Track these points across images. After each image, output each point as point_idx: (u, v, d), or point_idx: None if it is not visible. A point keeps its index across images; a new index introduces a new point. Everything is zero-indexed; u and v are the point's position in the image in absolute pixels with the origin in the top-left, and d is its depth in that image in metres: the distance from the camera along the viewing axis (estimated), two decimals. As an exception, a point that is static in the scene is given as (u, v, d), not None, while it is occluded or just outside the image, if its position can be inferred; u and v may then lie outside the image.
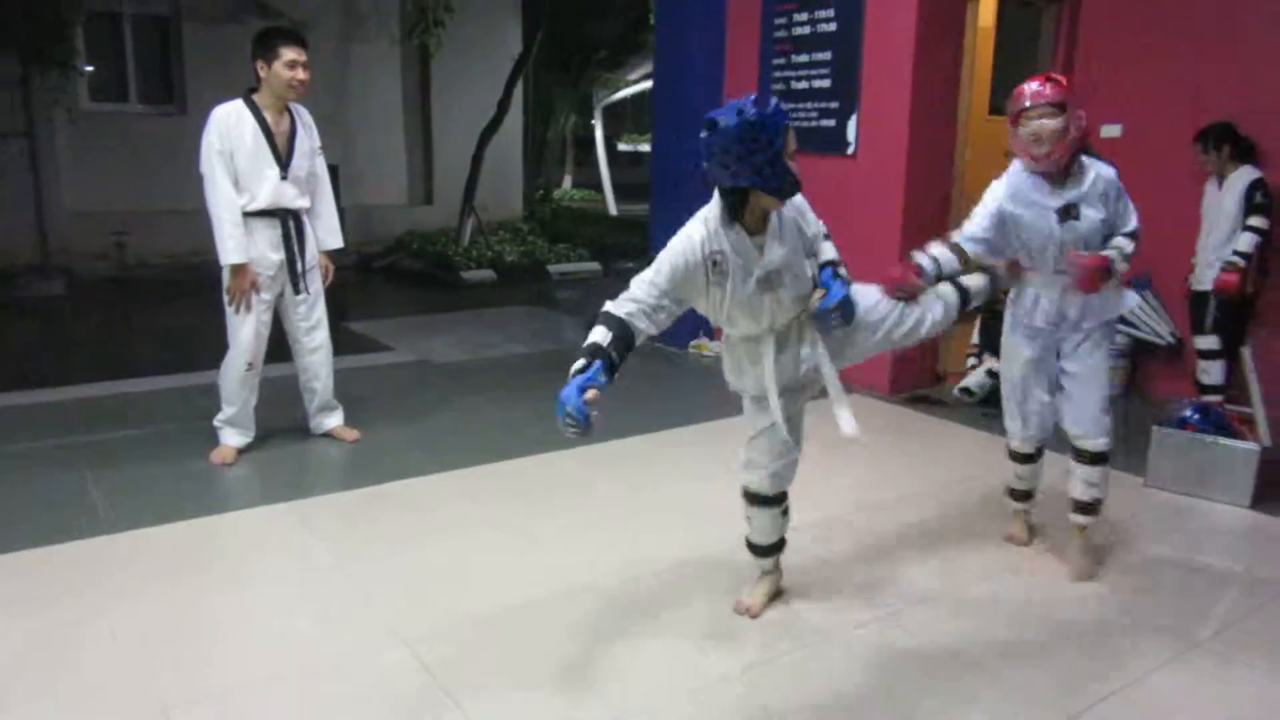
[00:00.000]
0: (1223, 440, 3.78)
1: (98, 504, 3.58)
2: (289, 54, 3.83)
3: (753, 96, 2.37)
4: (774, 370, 2.60)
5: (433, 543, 3.34)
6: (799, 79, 5.64)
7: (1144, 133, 5.31)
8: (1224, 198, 4.66)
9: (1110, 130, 5.50)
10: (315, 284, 4.16)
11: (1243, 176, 4.60)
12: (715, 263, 2.44)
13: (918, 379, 5.44)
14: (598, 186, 17.31)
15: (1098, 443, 3.09)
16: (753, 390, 2.72)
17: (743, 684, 2.48)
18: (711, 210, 2.47)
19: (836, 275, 2.59)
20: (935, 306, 2.91)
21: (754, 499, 2.84)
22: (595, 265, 10.53)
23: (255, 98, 3.89)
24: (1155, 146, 5.24)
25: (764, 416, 2.72)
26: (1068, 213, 2.97)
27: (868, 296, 2.78)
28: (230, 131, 3.81)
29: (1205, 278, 4.72)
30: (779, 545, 2.93)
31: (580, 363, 2.35)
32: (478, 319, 7.57)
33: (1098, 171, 3.01)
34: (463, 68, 11.52)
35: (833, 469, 4.16)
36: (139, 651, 2.58)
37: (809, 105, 5.60)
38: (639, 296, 2.43)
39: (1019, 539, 3.39)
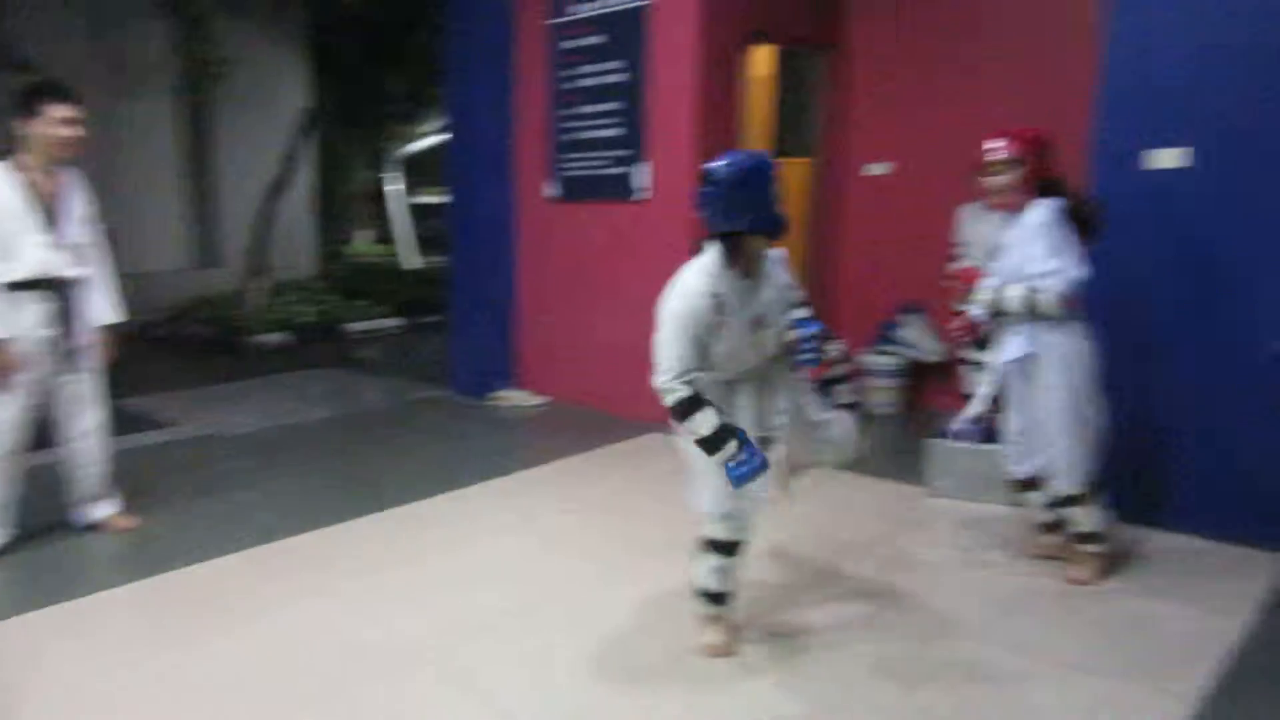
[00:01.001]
0: (991, 448, 4.10)
1: None
2: (58, 111, 3.53)
3: (744, 151, 2.65)
4: (752, 410, 2.71)
5: (223, 632, 3.08)
6: (587, 129, 5.75)
7: (910, 171, 5.76)
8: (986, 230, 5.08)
9: (880, 168, 5.94)
10: (89, 362, 3.81)
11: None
12: (721, 303, 2.58)
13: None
14: (395, 240, 16.95)
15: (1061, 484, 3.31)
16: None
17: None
18: (708, 258, 2.62)
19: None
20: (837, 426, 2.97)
21: (722, 548, 2.83)
22: (397, 321, 10.27)
23: (18, 159, 3.56)
24: (921, 183, 5.69)
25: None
26: (998, 252, 3.28)
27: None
28: None
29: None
30: (733, 593, 2.91)
31: (731, 447, 2.52)
32: (272, 385, 7.18)
33: (1030, 216, 3.19)
34: (246, 122, 11.03)
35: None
36: None
37: (598, 154, 5.71)
38: (679, 372, 2.56)
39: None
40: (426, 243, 16.41)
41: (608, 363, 5.89)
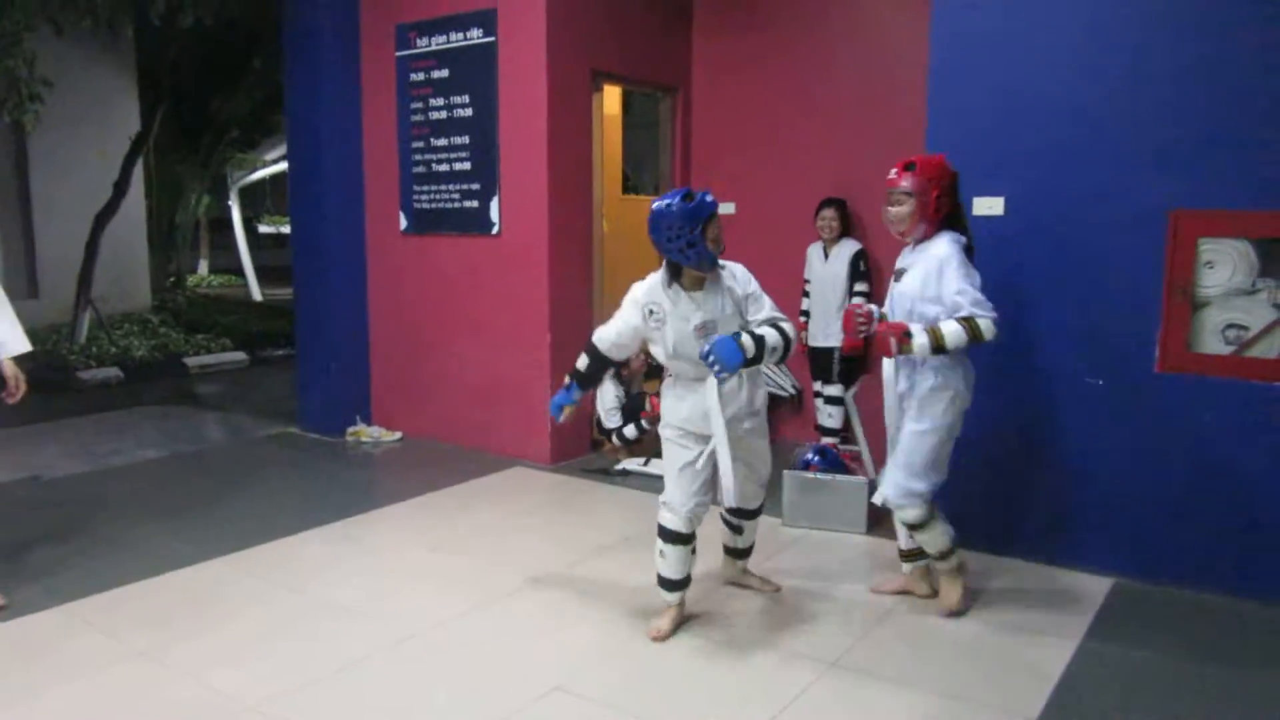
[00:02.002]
0: (839, 477, 4.29)
1: None
2: None
3: (685, 190, 3.00)
4: (717, 401, 3.01)
5: (51, 690, 2.88)
6: (439, 161, 5.72)
7: (754, 210, 5.97)
8: (832, 267, 5.33)
9: (725, 208, 6.12)
10: None
11: (847, 248, 5.31)
12: (651, 312, 3.10)
13: (574, 447, 5.63)
14: (239, 271, 16.30)
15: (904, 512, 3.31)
16: (684, 421, 3.15)
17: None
18: (659, 271, 3.13)
19: (738, 333, 2.98)
20: None
21: (668, 535, 3.16)
22: (241, 355, 9.83)
23: None
24: (765, 221, 5.92)
25: (684, 454, 3.14)
26: (898, 275, 3.27)
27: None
28: None
29: (824, 335, 5.36)
30: (686, 581, 3.24)
31: (565, 380, 3.30)
32: (100, 424, 6.75)
33: (934, 247, 3.17)
34: (69, 147, 10.37)
35: (502, 541, 4.18)
36: None
37: (451, 187, 5.68)
38: (606, 335, 3.23)
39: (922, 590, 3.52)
40: (268, 273, 15.85)
41: (465, 396, 5.83)
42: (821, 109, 5.66)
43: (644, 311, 3.11)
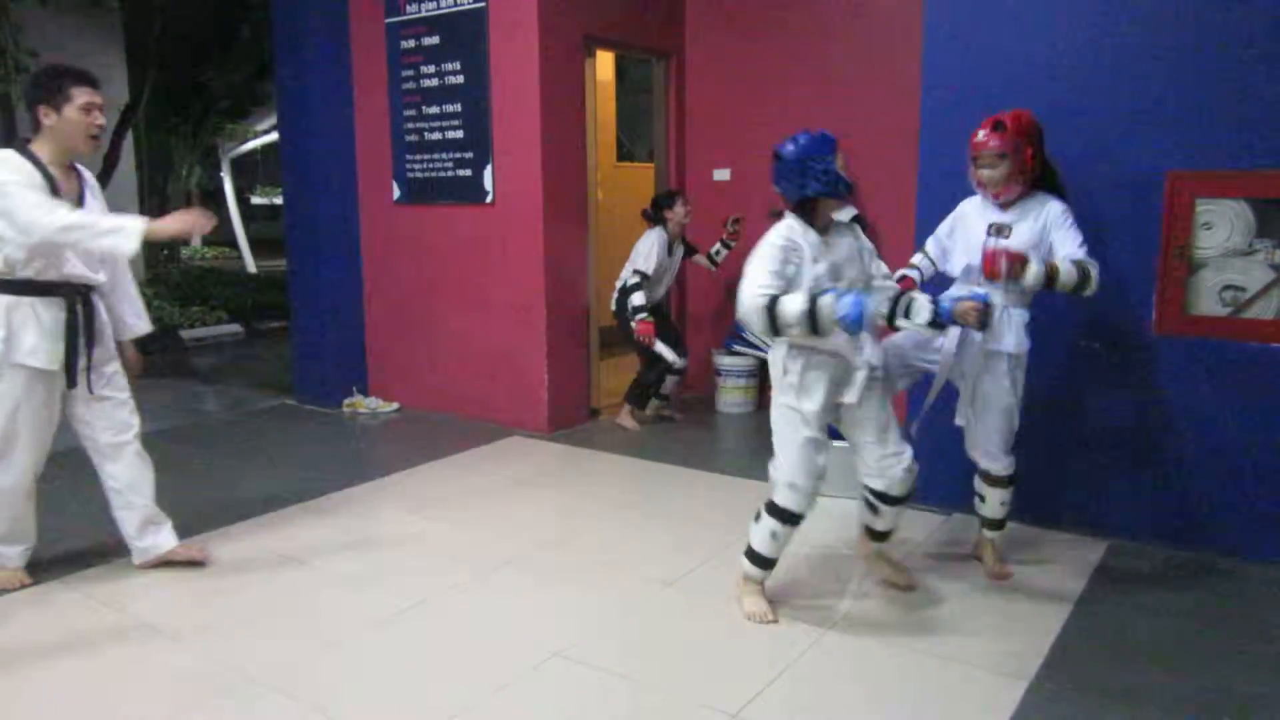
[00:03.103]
0: (835, 443, 4.27)
1: None
2: (83, 96, 3.20)
3: (806, 131, 3.01)
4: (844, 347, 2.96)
5: (57, 662, 2.89)
6: (431, 130, 5.67)
7: (749, 175, 5.94)
8: None
9: (720, 174, 6.10)
10: (121, 380, 3.50)
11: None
12: (793, 249, 2.93)
13: (572, 417, 5.64)
14: (233, 243, 16.24)
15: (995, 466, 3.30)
16: (812, 400, 3.00)
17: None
18: (789, 220, 2.99)
19: (864, 290, 2.93)
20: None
21: (785, 517, 3.03)
22: (236, 327, 9.85)
23: (33, 149, 3.19)
24: (761, 187, 5.86)
25: (805, 429, 3.00)
26: (999, 231, 3.08)
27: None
28: (29, 174, 3.09)
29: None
30: (774, 562, 3.15)
31: (827, 302, 2.75)
32: (97, 398, 6.73)
33: (1046, 206, 3.18)
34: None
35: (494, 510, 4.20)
36: None
37: (444, 156, 5.64)
38: (763, 285, 2.84)
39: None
40: (263, 245, 15.79)
41: (462, 367, 5.83)
42: (816, 72, 5.60)
43: (784, 251, 2.90)
